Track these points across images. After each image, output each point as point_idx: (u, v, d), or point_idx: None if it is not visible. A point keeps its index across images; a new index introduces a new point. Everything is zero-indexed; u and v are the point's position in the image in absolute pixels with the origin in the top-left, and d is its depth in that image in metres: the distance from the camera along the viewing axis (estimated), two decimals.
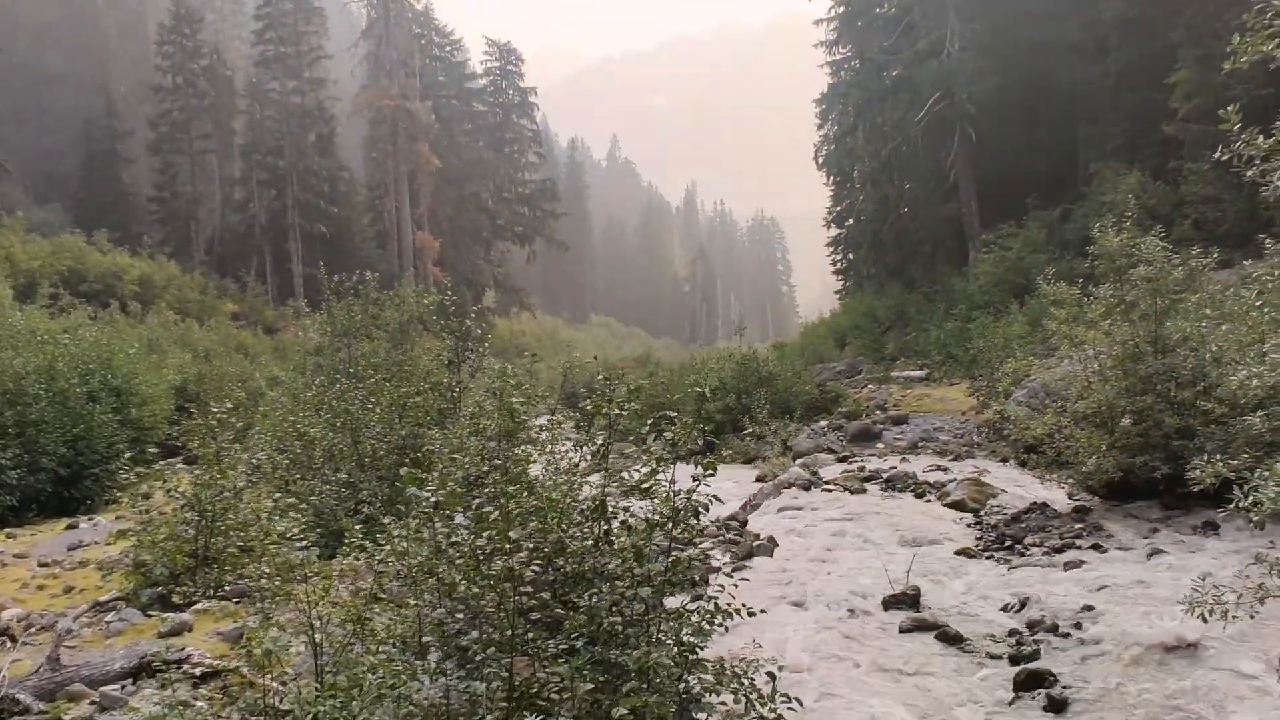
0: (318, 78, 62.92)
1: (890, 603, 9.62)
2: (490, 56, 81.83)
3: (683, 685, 5.19)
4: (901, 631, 8.93)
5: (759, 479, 17.64)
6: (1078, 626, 8.62)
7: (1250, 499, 5.47)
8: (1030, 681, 7.54)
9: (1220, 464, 6.37)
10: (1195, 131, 27.33)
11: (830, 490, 15.57)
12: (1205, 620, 6.13)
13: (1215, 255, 12.84)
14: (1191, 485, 6.81)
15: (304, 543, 6.06)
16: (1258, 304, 7.82)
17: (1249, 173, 5.94)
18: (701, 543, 5.99)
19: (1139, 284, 12.47)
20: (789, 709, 5.34)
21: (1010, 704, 7.35)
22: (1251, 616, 5.98)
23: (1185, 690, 7.15)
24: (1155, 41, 31.14)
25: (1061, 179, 36.46)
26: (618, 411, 6.26)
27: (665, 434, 5.86)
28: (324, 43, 64.72)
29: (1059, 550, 11.27)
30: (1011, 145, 37.91)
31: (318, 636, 5.84)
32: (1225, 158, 6.25)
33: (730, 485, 16.89)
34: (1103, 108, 35.06)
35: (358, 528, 6.62)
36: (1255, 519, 5.40)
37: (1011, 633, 8.74)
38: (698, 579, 7.04)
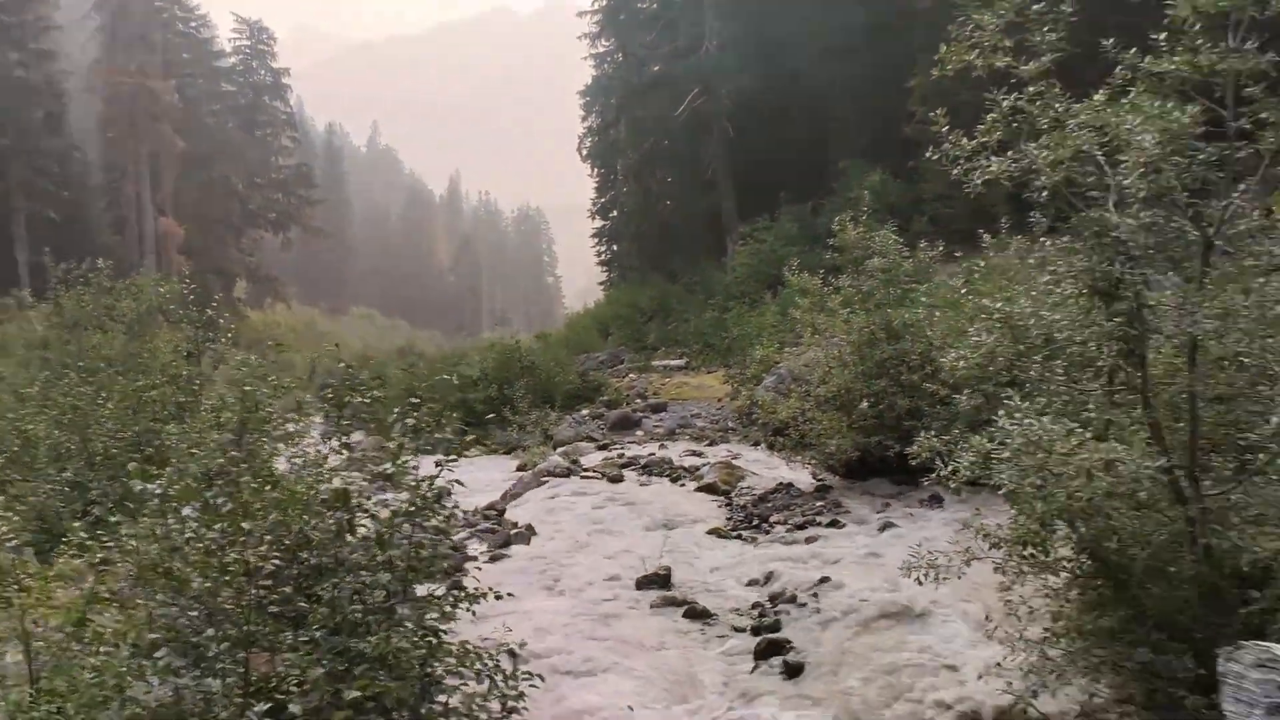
0: (45, 50, 58.03)
1: (643, 583, 9.89)
2: (239, 34, 77.65)
3: (425, 669, 5.17)
4: (652, 609, 9.21)
5: (520, 468, 17.68)
6: (815, 597, 9.15)
7: (950, 468, 5.98)
8: (770, 650, 7.98)
9: (935, 440, 6.91)
10: (929, 133, 29.26)
11: (590, 478, 15.80)
12: (920, 583, 6.63)
13: (941, 248, 13.83)
14: (912, 460, 7.36)
15: (14, 543, 5.63)
16: (963, 292, 8.60)
17: (954, 172, 6.47)
18: (456, 532, 6.00)
19: (874, 274, 13.38)
20: (531, 686, 5.43)
21: (751, 671, 7.76)
22: (959, 577, 6.51)
23: (908, 648, 7.74)
24: (896, 47, 33.09)
25: (814, 175, 38.15)
26: (361, 399, 6.16)
27: (408, 420, 5.81)
28: (53, 12, 59.78)
29: (801, 527, 11.91)
30: (768, 141, 39.36)
31: (34, 642, 5.47)
32: (935, 157, 6.78)
33: (491, 475, 16.88)
34: (851, 108, 37.02)
35: (77, 526, 6.20)
36: (953, 486, 5.92)
37: (755, 605, 9.19)
38: (449, 567, 7.00)
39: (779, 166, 39.47)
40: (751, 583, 9.93)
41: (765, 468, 15.86)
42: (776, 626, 8.53)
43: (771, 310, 27.45)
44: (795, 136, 39.43)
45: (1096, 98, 6.31)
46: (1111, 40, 6.46)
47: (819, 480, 14.11)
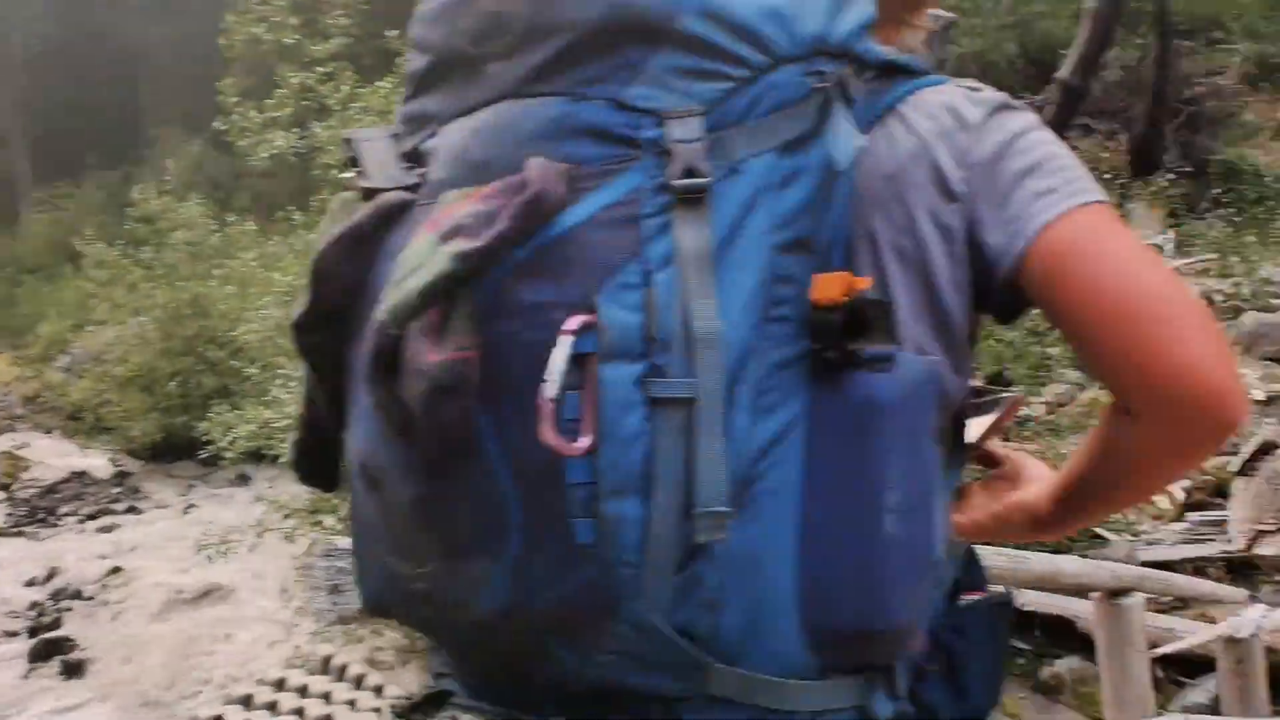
0: None
1: None
2: None
3: None
4: None
5: None
6: (105, 589, 8.60)
7: (229, 439, 6.00)
8: (48, 651, 7.36)
9: (230, 414, 6.86)
10: (232, 105, 28.69)
11: None
12: (212, 560, 6.55)
13: (248, 223, 13.59)
14: (203, 438, 7.22)
15: None
16: (254, 265, 8.62)
17: (240, 143, 6.45)
18: None
19: (179, 248, 12.81)
20: None
21: (26, 676, 7.11)
22: (251, 549, 6.55)
23: (205, 627, 7.59)
24: (220, 13, 31.84)
25: (128, 140, 35.34)
26: None
27: None
28: None
29: (94, 516, 11.19)
30: (74, 99, 35.63)
31: None
32: (225, 128, 6.70)
33: None
34: (171, 72, 34.86)
35: None
36: (229, 458, 5.95)
37: (33, 605, 8.40)
38: None
39: (87, 128, 35.92)
40: (31, 582, 9.05)
41: (57, 456, 14.43)
42: (57, 625, 7.88)
43: (73, 285, 25.03)
44: (107, 97, 36.12)
45: (380, 84, 6.69)
46: (396, 32, 6.88)
47: (118, 466, 13.23)
